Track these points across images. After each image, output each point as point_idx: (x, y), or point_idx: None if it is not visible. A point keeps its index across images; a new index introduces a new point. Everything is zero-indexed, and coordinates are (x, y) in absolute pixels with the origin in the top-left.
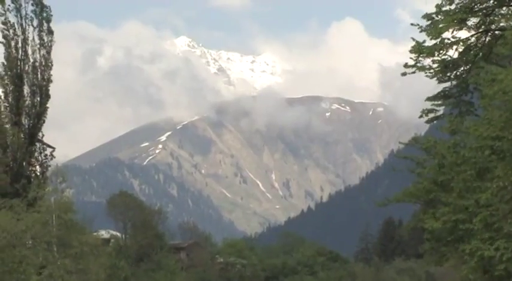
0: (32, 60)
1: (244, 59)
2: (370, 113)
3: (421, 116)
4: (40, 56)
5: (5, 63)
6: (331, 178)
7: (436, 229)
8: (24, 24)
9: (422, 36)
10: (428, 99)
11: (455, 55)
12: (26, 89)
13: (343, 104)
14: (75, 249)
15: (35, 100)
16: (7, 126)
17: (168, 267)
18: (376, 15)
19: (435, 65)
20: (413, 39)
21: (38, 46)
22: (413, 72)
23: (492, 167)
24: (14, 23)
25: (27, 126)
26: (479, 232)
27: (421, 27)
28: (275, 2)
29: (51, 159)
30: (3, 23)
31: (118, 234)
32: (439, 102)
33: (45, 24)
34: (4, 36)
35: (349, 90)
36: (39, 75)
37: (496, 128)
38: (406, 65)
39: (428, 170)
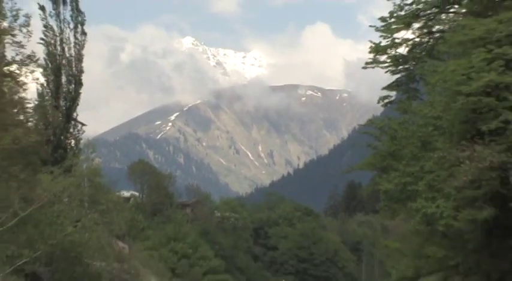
0: (68, 55)
1: (237, 54)
2: (337, 97)
3: (378, 102)
4: (74, 52)
5: (47, 58)
6: (306, 149)
7: (389, 190)
8: (62, 26)
9: (378, 35)
10: (384, 88)
11: (405, 52)
12: (64, 79)
13: (315, 91)
14: (102, 205)
15: (71, 87)
16: (48, 108)
17: (176, 220)
18: (341, 20)
19: (388, 60)
20: (371, 42)
21: (73, 44)
22: (372, 67)
23: (434, 140)
24: (53, 26)
25: (64, 108)
26: (423, 192)
27: (377, 28)
28: (261, 9)
29: (83, 133)
30: (44, 26)
31: (136, 193)
32: (393, 90)
33: (79, 26)
34: (46, 37)
35: (320, 80)
36: (73, 68)
37: (437, 109)
38: (366, 63)
39: (383, 143)
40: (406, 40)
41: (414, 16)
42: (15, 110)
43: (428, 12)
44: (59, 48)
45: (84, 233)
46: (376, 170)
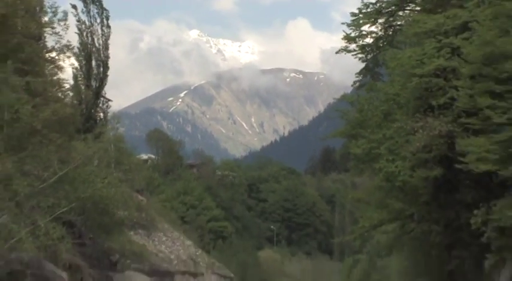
0: (96, 44)
1: (234, 44)
2: (315, 78)
3: (353, 85)
4: (102, 41)
5: (80, 47)
6: (290, 120)
7: (357, 153)
8: (91, 21)
9: (348, 29)
10: (357, 73)
11: (370, 42)
12: (93, 63)
13: (297, 73)
14: (125, 166)
15: (99, 70)
16: (81, 87)
17: (185, 178)
18: (318, 15)
19: (357, 49)
20: (344, 32)
21: (101, 35)
22: (344, 53)
23: (393, 113)
24: (84, 20)
25: (94, 87)
26: (385, 155)
27: (348, 23)
28: (254, 7)
29: (109, 108)
30: (77, 21)
31: (153, 156)
32: (362, 74)
33: (105, 21)
34: (79, 29)
35: (301, 64)
36: (101, 54)
37: (396, 88)
38: (339, 50)
39: (352, 115)
40: (371, 32)
41: (378, 13)
42: (55, 89)
43: (389, 9)
44: (89, 38)
45: (111, 188)
46: (347, 137)
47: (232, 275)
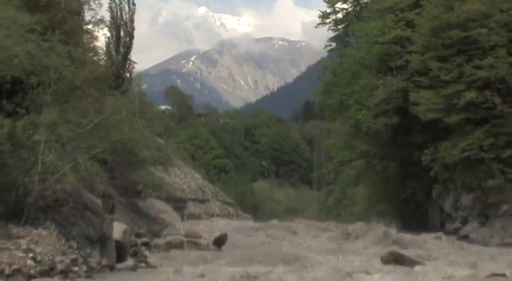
0: (124, 18)
1: (233, 18)
2: (298, 46)
3: (324, 48)
4: (128, 16)
5: (111, 20)
6: (278, 79)
7: (331, 104)
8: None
9: (325, 5)
10: (329, 39)
11: (342, 17)
12: (122, 33)
13: (284, 41)
14: (147, 115)
15: (126, 39)
16: (112, 52)
17: (195, 125)
18: None
19: (331, 22)
20: (320, 11)
21: (127, 11)
22: (322, 26)
23: (360, 73)
24: None
25: (122, 52)
26: (353, 106)
27: (324, 0)
28: None
29: (134, 69)
30: (110, 0)
31: (169, 107)
32: (334, 41)
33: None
34: (110, 6)
35: (287, 34)
36: (128, 27)
37: (362, 53)
38: (317, 24)
39: (327, 76)
40: (342, 9)
41: None
42: (91, 54)
43: None
44: (118, 14)
45: (136, 133)
46: (323, 94)
47: (232, 201)
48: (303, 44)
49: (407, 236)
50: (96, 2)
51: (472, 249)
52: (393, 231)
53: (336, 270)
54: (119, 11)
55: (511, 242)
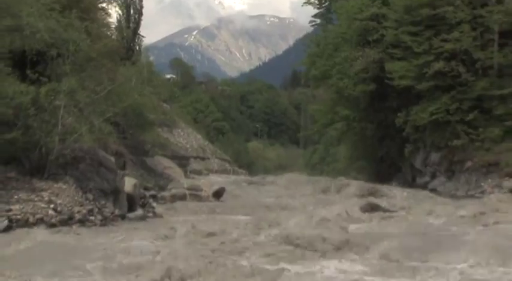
0: None
1: None
2: (287, 22)
3: (310, 23)
4: None
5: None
6: (269, 51)
7: (316, 74)
8: None
9: None
10: (313, 16)
11: None
12: (131, 11)
13: (275, 18)
14: (154, 83)
15: (136, 16)
16: (123, 27)
17: (196, 91)
18: None
19: (316, 1)
20: None
21: None
22: (307, 5)
23: (341, 46)
24: None
25: (132, 28)
26: (335, 75)
27: None
28: None
29: (143, 42)
30: None
31: (174, 76)
32: (318, 18)
33: None
34: None
35: (277, 12)
36: (137, 5)
37: (343, 28)
38: (304, 2)
39: (312, 49)
40: None
41: None
42: (105, 29)
43: None
44: None
45: (144, 99)
46: (308, 65)
47: (229, 159)
48: (291, 20)
49: (383, 189)
50: None
51: (438, 200)
52: (370, 184)
53: (319, 216)
54: None
55: (473, 194)
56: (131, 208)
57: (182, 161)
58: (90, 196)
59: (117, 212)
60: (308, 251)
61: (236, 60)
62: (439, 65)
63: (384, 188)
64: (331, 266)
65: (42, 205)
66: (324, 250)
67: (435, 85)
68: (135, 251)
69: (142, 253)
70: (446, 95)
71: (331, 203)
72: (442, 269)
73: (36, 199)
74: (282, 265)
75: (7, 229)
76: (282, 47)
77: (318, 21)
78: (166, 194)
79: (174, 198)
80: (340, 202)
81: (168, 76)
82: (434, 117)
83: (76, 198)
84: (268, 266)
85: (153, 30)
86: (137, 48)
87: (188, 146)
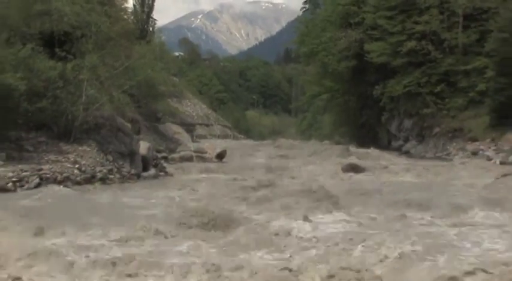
0: None
1: None
2: (280, 7)
3: (300, 9)
4: None
5: None
6: (265, 32)
7: (305, 52)
8: None
9: None
10: (303, 2)
11: None
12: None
13: (269, 3)
14: (165, 60)
15: (149, 1)
16: (138, 11)
17: (201, 67)
18: None
19: None
20: None
21: None
22: None
23: (327, 27)
24: None
25: (146, 11)
26: (322, 52)
27: None
28: None
29: (155, 24)
30: None
31: (182, 54)
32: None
33: None
34: None
35: None
36: None
37: (328, 12)
38: None
39: (302, 30)
40: None
41: None
42: (122, 12)
43: None
44: None
45: (156, 73)
46: (299, 43)
47: (229, 125)
48: (284, 5)
49: (362, 151)
50: None
51: (410, 161)
52: (352, 148)
53: (310, 173)
54: None
55: (440, 156)
56: (145, 168)
57: (189, 127)
58: (110, 158)
59: (133, 171)
60: (295, 203)
61: (236, 40)
62: (411, 44)
63: (363, 150)
64: (315, 214)
65: (69, 165)
66: (311, 201)
67: (408, 62)
68: (159, 199)
69: (168, 199)
70: (417, 70)
71: (318, 164)
72: (409, 217)
73: (63, 160)
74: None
75: (38, 185)
76: (276, 28)
77: (307, 6)
78: (175, 156)
79: (182, 159)
80: (325, 163)
81: (177, 54)
82: (407, 89)
83: (98, 159)
84: (260, 217)
85: (164, 14)
86: (150, 29)
87: (194, 114)
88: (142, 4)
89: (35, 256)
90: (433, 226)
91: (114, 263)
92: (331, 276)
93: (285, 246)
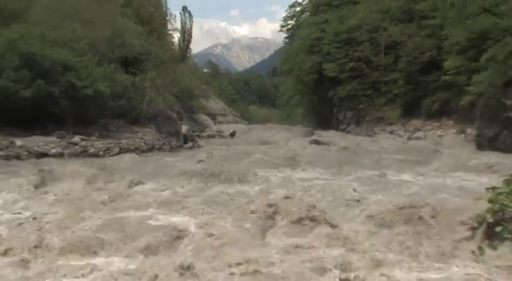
0: (187, 28)
1: (239, 27)
2: (270, 41)
3: (283, 41)
4: (189, 26)
5: (181, 28)
6: (260, 56)
7: (286, 69)
8: (187, 20)
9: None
10: (284, 38)
11: (290, 26)
12: (186, 35)
13: (263, 39)
14: (197, 75)
15: (187, 38)
16: (181, 44)
17: (220, 79)
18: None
19: (286, 29)
20: (280, 25)
21: (188, 23)
22: (281, 31)
23: (299, 54)
24: (185, 20)
25: (185, 44)
26: (296, 69)
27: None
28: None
29: (191, 52)
30: (181, 22)
31: (208, 70)
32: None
33: (189, 22)
34: (181, 21)
35: (264, 35)
36: (188, 32)
37: (299, 45)
38: (279, 31)
39: (283, 55)
40: (291, 22)
41: None
42: (170, 44)
43: None
44: (184, 25)
45: (192, 82)
46: (282, 63)
47: (238, 115)
48: (272, 40)
49: (322, 132)
50: (173, 19)
51: (350, 137)
52: (316, 130)
53: (288, 147)
54: (184, 23)
55: (370, 134)
56: (185, 142)
57: (212, 116)
58: (163, 135)
59: (177, 144)
60: (282, 164)
61: (242, 62)
62: (351, 64)
63: (323, 132)
64: (296, 171)
65: (137, 140)
66: (292, 163)
67: (349, 75)
68: (193, 160)
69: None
70: (355, 81)
71: (294, 139)
72: (355, 172)
73: (134, 137)
74: (267, 170)
75: (118, 153)
76: (267, 54)
77: (287, 40)
78: (204, 134)
79: (208, 136)
80: (298, 139)
81: (205, 70)
82: (349, 93)
83: (155, 136)
84: (256, 170)
85: (196, 45)
86: (188, 55)
87: (215, 108)
88: (183, 39)
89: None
90: (364, 173)
91: (165, 201)
92: (287, 197)
93: (264, 181)
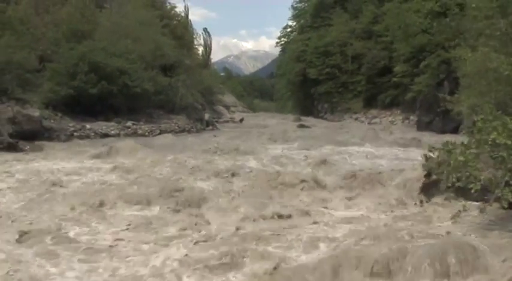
0: (208, 42)
1: (246, 43)
2: (269, 53)
3: (278, 53)
4: (209, 42)
5: (203, 42)
6: (262, 64)
7: (280, 72)
8: (207, 38)
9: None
10: (279, 52)
11: (283, 42)
12: (207, 48)
13: (263, 51)
14: (216, 77)
15: (208, 50)
16: (205, 54)
17: (233, 80)
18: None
19: (280, 45)
20: (276, 41)
21: (208, 39)
22: (276, 46)
23: (289, 62)
24: (207, 39)
25: (207, 54)
26: (287, 73)
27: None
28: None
29: (211, 60)
30: (203, 42)
31: (223, 74)
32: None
33: (208, 39)
34: (203, 37)
35: (264, 48)
36: (209, 45)
37: (290, 55)
38: (275, 46)
39: (278, 63)
40: (284, 38)
41: None
42: (197, 55)
43: None
44: (206, 39)
45: (213, 82)
46: (277, 69)
47: (246, 106)
48: (270, 52)
49: (307, 118)
50: (198, 37)
51: (326, 123)
52: (301, 117)
53: (279, 129)
54: (206, 40)
55: (340, 120)
56: (207, 126)
57: (227, 107)
58: (192, 121)
59: (202, 127)
60: (274, 140)
61: (248, 69)
62: (327, 70)
63: (307, 118)
64: (283, 146)
65: (172, 124)
66: (281, 140)
67: (326, 78)
68: (212, 139)
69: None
70: (330, 81)
71: (285, 124)
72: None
73: (170, 122)
74: (265, 144)
75: (159, 134)
76: (266, 62)
77: (281, 52)
78: (220, 120)
79: (225, 122)
80: (287, 123)
81: (222, 74)
82: (325, 90)
83: (186, 122)
84: (256, 145)
85: (215, 56)
86: (209, 63)
87: (229, 101)
88: (205, 51)
89: (172, 162)
90: (334, 149)
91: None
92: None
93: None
